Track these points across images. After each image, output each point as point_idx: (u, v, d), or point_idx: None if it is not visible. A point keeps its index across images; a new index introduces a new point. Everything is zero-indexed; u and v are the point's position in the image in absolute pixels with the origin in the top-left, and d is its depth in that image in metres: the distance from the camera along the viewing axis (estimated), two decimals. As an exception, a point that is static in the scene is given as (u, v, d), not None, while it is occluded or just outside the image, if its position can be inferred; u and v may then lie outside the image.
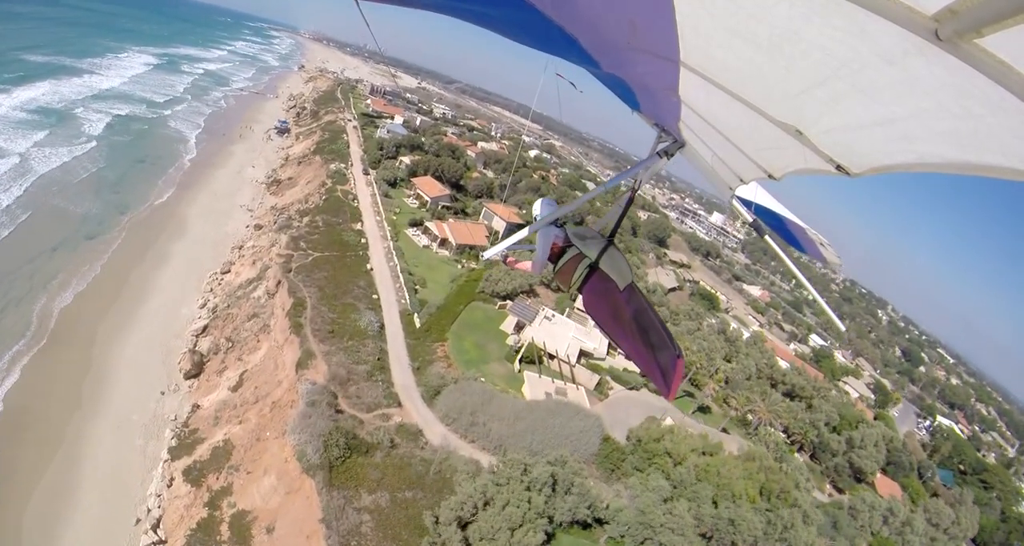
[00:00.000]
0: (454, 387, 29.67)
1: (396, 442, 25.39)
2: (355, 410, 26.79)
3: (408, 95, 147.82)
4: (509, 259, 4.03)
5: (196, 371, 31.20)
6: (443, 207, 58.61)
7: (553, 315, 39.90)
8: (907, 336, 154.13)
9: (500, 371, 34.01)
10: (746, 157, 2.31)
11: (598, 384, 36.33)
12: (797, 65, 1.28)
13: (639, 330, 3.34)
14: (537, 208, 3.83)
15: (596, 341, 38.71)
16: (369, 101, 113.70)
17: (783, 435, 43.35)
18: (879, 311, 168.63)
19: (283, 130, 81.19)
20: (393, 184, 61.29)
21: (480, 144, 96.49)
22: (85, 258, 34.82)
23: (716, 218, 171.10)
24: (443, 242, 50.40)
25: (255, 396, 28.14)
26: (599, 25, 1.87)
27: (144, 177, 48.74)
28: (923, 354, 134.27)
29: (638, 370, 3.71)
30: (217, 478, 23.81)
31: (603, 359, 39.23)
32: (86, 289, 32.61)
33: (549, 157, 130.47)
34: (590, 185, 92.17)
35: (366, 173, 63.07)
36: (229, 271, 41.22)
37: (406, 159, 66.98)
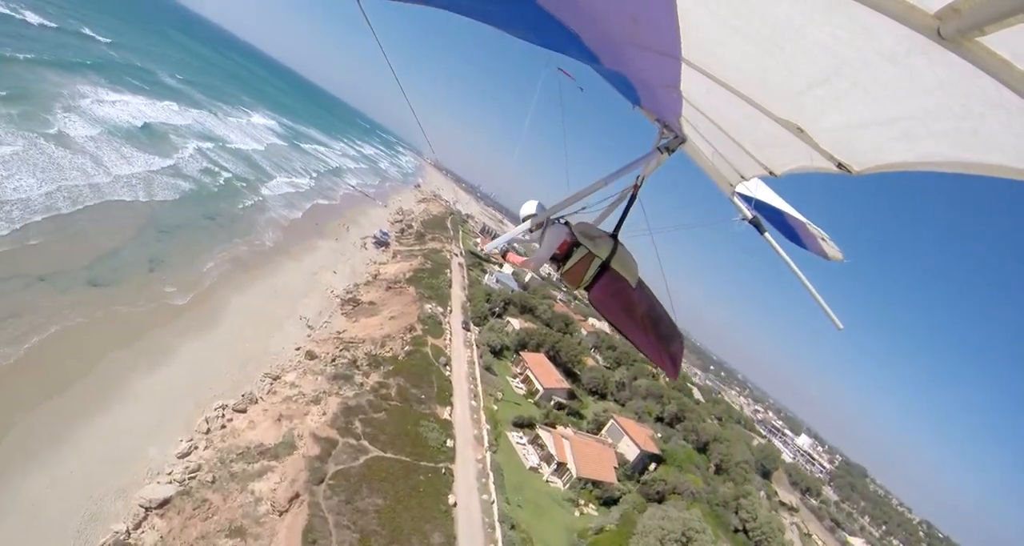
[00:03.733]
0: None
1: None
2: None
3: (516, 245, 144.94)
4: (509, 254, 4.03)
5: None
6: (557, 404, 44.08)
7: None
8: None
9: None
10: (747, 154, 2.31)
11: None
12: (799, 63, 1.28)
13: (651, 324, 3.40)
14: (530, 208, 3.80)
15: None
16: (479, 240, 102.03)
17: None
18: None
19: (382, 242, 70.23)
20: (498, 352, 47.55)
21: (591, 320, 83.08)
22: (63, 305, 22.01)
23: (803, 441, 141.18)
24: (559, 466, 34.88)
25: None
26: (601, 21, 1.87)
27: (203, 236, 37.46)
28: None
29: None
30: None
31: None
32: (25, 354, 18.82)
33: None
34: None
35: (466, 327, 49.45)
36: (245, 411, 25.09)
37: (515, 322, 54.63)
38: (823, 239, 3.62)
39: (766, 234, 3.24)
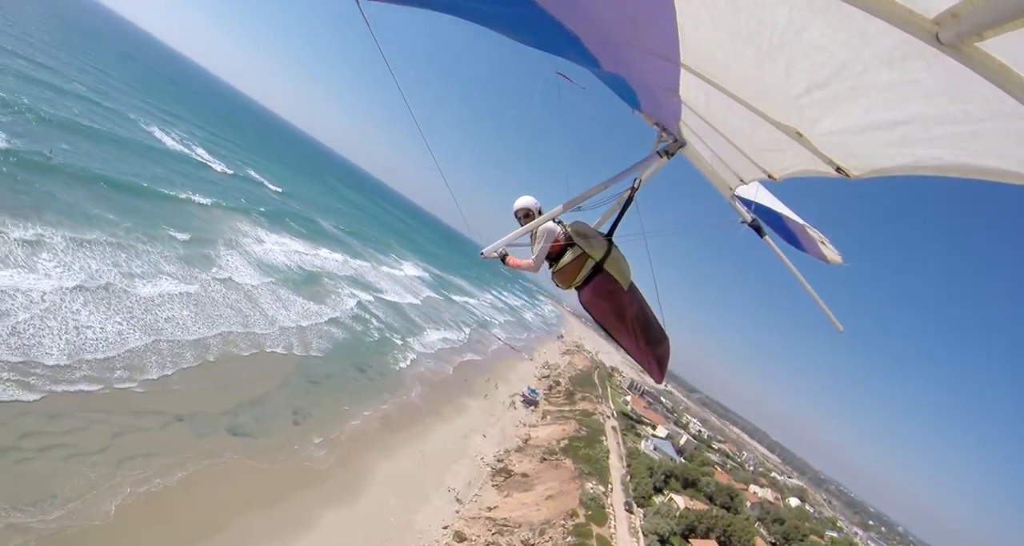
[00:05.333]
0: None
1: None
2: None
3: (663, 399, 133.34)
4: (509, 258, 4.00)
5: None
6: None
7: None
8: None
9: None
10: (746, 158, 2.31)
11: None
12: (797, 67, 1.28)
13: (641, 328, 3.39)
14: (523, 203, 3.78)
15: None
16: (628, 398, 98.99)
17: None
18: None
19: (531, 401, 67.73)
20: (665, 540, 43.59)
21: (752, 488, 78.49)
22: (198, 451, 20.04)
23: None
24: None
25: None
26: (600, 22, 1.87)
27: (352, 389, 35.71)
28: None
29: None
30: None
31: None
32: (147, 498, 17.01)
33: (812, 510, 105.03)
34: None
35: (629, 509, 45.29)
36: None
37: (678, 500, 50.44)
38: (822, 242, 3.62)
39: (766, 237, 3.23)
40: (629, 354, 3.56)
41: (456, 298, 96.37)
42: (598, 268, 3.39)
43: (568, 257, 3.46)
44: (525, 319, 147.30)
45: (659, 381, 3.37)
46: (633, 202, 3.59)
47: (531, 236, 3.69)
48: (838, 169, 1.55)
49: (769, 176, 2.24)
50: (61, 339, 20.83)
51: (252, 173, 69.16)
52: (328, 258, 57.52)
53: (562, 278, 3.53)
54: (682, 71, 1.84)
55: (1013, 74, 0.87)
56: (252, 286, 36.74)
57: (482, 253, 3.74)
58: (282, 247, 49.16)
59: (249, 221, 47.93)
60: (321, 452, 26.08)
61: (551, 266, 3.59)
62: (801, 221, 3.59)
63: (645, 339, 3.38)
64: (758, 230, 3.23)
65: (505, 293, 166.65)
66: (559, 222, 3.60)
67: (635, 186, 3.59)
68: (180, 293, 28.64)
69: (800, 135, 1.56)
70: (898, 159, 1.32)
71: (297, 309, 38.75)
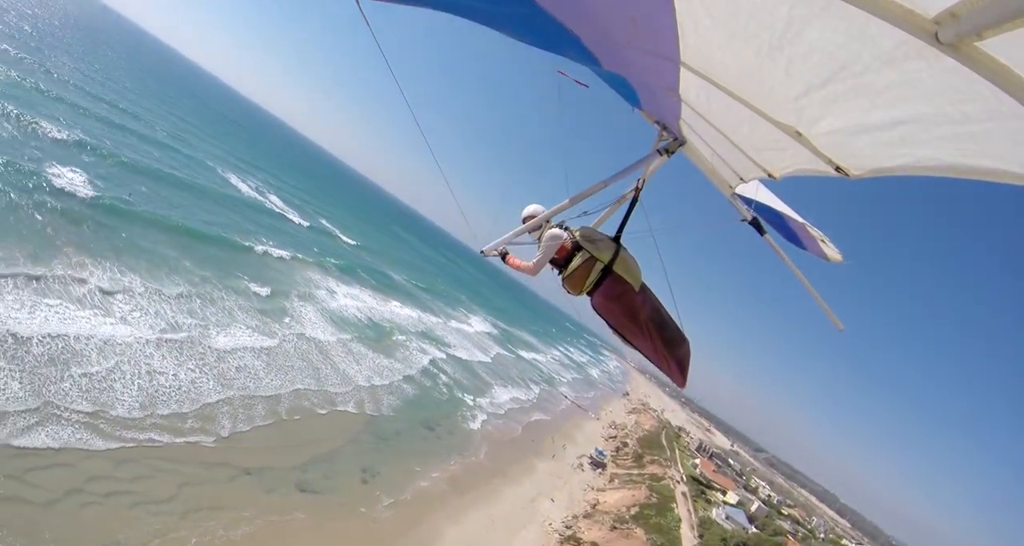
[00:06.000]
0: None
1: None
2: None
3: (731, 461, 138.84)
4: (509, 257, 3.98)
5: None
6: None
7: None
8: None
9: None
10: (746, 156, 2.31)
11: None
12: (797, 67, 1.28)
13: (656, 329, 3.34)
14: (531, 210, 3.76)
15: None
16: (697, 461, 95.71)
17: None
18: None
19: (599, 463, 64.99)
20: None
21: None
22: (265, 507, 20.05)
23: None
24: None
25: None
26: (601, 22, 1.87)
27: (421, 448, 35.13)
28: None
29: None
30: None
31: None
32: None
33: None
34: None
35: None
36: None
37: None
38: (822, 241, 3.61)
39: (766, 235, 3.23)
40: (648, 359, 3.49)
41: (524, 354, 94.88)
42: (607, 271, 3.35)
43: (576, 262, 3.41)
44: (591, 376, 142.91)
45: (682, 385, 3.30)
46: (639, 202, 3.56)
47: (538, 240, 3.66)
48: (837, 168, 1.55)
49: (769, 175, 2.24)
50: (134, 385, 20.86)
51: (324, 222, 69.44)
52: (399, 312, 57.49)
53: (572, 284, 3.48)
54: (682, 70, 1.84)
55: (1013, 74, 0.87)
56: (326, 341, 36.45)
57: (482, 251, 3.72)
58: (355, 301, 49.09)
59: (323, 273, 48.08)
60: (389, 513, 25.47)
61: (560, 273, 3.53)
62: (801, 219, 3.58)
63: (662, 340, 3.30)
64: (758, 228, 3.23)
65: (571, 349, 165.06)
66: (565, 228, 3.56)
67: (639, 186, 3.57)
68: (256, 347, 28.57)
69: (799, 134, 1.56)
70: (898, 159, 1.32)
71: (369, 364, 38.35)
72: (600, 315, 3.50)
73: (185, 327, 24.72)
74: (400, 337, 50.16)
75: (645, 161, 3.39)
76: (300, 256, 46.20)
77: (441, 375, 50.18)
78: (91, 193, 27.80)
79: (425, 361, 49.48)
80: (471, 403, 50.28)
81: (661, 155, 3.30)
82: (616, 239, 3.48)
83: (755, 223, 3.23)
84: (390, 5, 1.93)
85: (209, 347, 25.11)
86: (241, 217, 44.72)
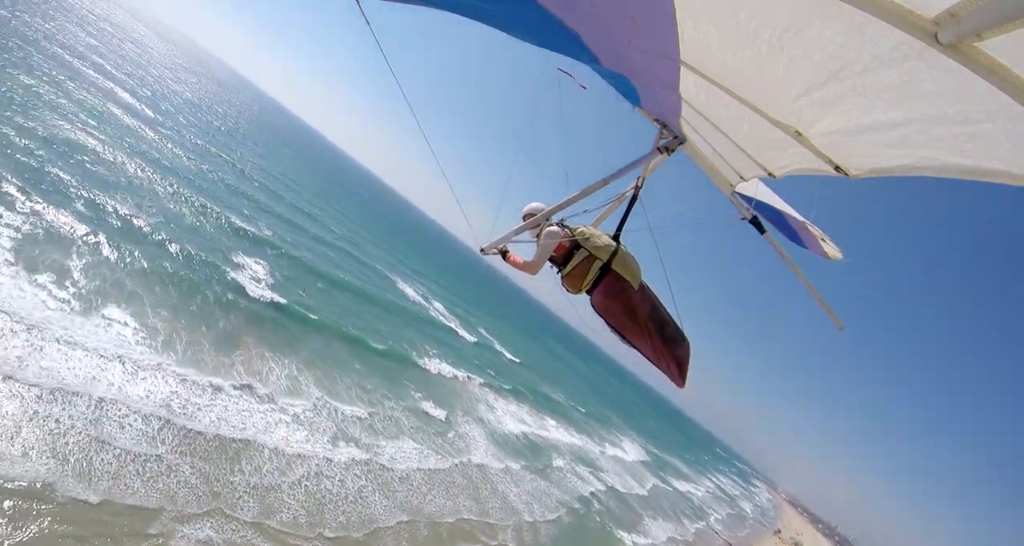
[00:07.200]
0: None
1: None
2: None
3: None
4: (510, 255, 3.97)
5: None
6: None
7: None
8: None
9: None
10: (746, 155, 2.30)
11: None
12: (797, 67, 1.27)
13: (656, 328, 3.33)
14: (531, 208, 3.75)
15: None
16: None
17: None
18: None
19: None
20: None
21: None
22: None
23: None
24: None
25: None
26: (601, 21, 1.86)
27: None
28: None
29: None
30: None
31: None
32: None
33: None
34: None
35: None
36: None
37: None
38: (823, 239, 3.61)
39: (766, 234, 3.23)
40: (647, 358, 3.48)
41: (677, 484, 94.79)
42: (606, 269, 3.34)
43: (575, 260, 3.41)
44: (743, 510, 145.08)
45: (681, 386, 3.29)
46: (638, 200, 3.55)
47: (536, 238, 3.65)
48: (837, 168, 1.55)
49: (769, 174, 2.24)
50: (300, 488, 20.62)
51: (484, 333, 66.85)
52: (558, 435, 56.50)
53: (571, 282, 3.47)
54: (682, 69, 1.84)
55: (1013, 74, 0.87)
56: (491, 467, 35.87)
57: (482, 249, 3.70)
58: (519, 424, 48.12)
59: (494, 393, 46.25)
60: None
61: (559, 271, 3.52)
62: (801, 218, 3.58)
63: (662, 339, 3.29)
64: (759, 226, 3.23)
65: (723, 479, 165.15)
66: (563, 225, 3.54)
67: (638, 184, 3.56)
68: (427, 469, 27.95)
69: (799, 134, 1.56)
70: (897, 159, 1.32)
71: (527, 488, 37.19)
72: (599, 314, 3.48)
73: (359, 440, 23.68)
74: (559, 462, 47.49)
75: (645, 159, 3.38)
76: (472, 375, 43.64)
77: (595, 503, 47.64)
78: (269, 293, 27.19)
79: (582, 489, 46.81)
80: (628, 543, 49.95)
81: (661, 153, 3.29)
82: (615, 237, 3.47)
83: (755, 221, 3.22)
84: (390, 5, 1.93)
85: (382, 465, 23.88)
86: (415, 331, 41.63)
